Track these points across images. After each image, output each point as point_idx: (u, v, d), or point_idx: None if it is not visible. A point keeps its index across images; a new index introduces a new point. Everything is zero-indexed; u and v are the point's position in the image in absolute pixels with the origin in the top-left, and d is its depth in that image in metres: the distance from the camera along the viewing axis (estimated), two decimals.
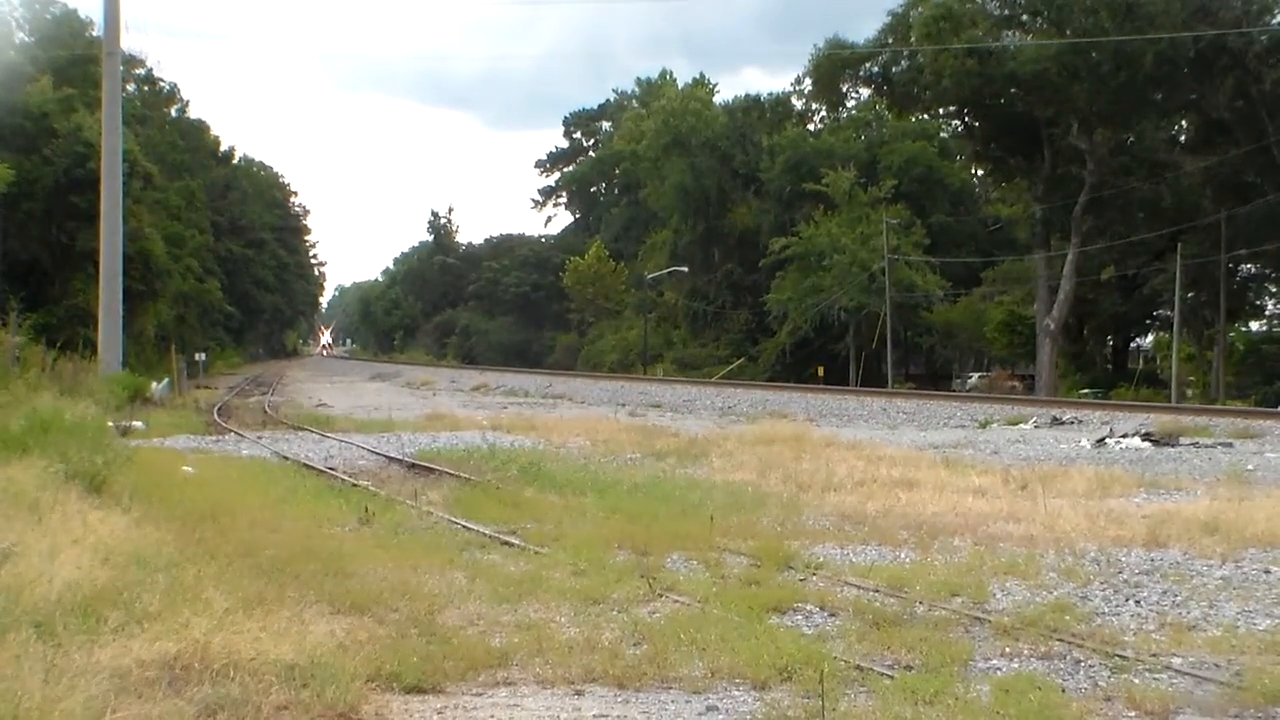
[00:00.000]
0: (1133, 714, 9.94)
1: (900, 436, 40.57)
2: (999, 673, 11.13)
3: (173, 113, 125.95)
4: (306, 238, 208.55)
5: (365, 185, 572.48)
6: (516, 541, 17.79)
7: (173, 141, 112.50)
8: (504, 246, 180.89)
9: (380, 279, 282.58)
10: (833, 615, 13.49)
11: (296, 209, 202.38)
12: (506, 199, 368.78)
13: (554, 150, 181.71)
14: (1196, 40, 77.50)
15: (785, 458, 29.70)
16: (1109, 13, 78.53)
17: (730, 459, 30.17)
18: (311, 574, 14.26)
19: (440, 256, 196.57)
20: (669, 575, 15.43)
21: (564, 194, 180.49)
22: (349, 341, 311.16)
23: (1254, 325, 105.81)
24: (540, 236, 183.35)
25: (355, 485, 24.90)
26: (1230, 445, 35.29)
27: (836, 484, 24.58)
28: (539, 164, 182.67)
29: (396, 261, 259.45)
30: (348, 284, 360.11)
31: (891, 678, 10.65)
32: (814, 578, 15.42)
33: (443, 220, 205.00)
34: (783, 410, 53.86)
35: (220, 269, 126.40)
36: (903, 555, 17.06)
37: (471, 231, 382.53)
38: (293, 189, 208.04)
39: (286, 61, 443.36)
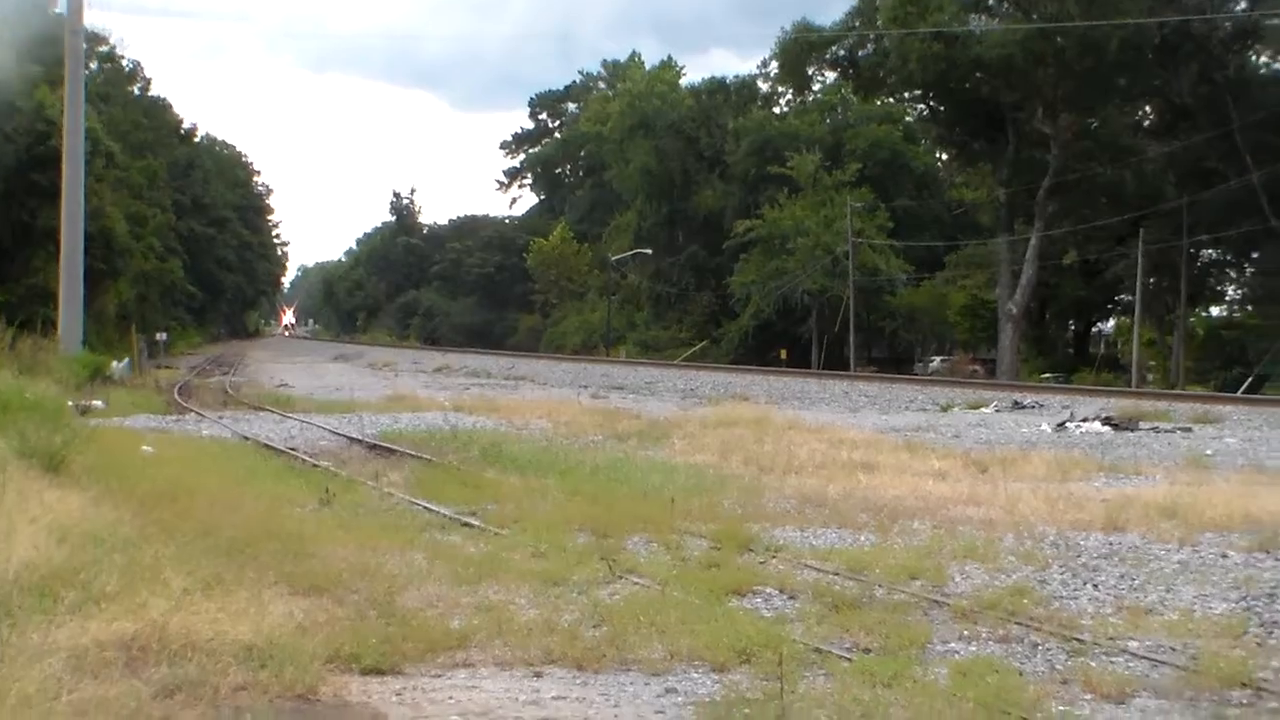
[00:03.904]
0: (1089, 697, 9.97)
1: (862, 419, 40.62)
2: (957, 656, 11.17)
3: (135, 91, 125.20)
4: (269, 217, 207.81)
5: (329, 165, 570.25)
6: (477, 523, 17.77)
7: (135, 120, 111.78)
8: (468, 227, 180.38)
9: (343, 259, 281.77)
10: (792, 598, 13.50)
11: (259, 188, 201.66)
12: (472, 180, 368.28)
13: (520, 131, 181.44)
14: (1161, 26, 77.71)
15: (747, 440, 29.70)
16: None
17: (692, 441, 30.17)
18: (271, 555, 14.20)
19: (404, 237, 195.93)
20: (629, 557, 15.42)
21: (529, 175, 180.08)
22: (311, 322, 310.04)
23: (1214, 311, 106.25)
24: (505, 218, 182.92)
25: (316, 466, 24.85)
26: (1189, 430, 35.43)
27: (798, 467, 24.61)
28: (504, 145, 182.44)
29: (360, 242, 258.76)
30: (311, 264, 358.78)
31: (850, 660, 10.68)
32: (774, 560, 15.44)
33: (406, 200, 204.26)
34: (745, 393, 53.89)
35: (182, 248, 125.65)
36: (863, 538, 17.09)
37: (436, 212, 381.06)
38: (256, 168, 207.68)
39: (250, 40, 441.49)
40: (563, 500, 19.69)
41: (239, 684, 9.41)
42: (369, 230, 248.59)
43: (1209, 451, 29.42)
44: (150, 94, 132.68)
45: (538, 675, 10.45)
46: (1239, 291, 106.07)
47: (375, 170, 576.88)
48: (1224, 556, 15.84)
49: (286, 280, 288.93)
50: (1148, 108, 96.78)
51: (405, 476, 23.22)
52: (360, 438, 30.93)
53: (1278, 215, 78.38)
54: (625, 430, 33.32)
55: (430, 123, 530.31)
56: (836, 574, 14.48)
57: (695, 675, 10.47)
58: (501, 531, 17.00)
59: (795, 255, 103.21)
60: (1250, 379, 72.76)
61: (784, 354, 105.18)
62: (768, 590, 13.82)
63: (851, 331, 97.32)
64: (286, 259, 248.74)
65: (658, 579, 13.96)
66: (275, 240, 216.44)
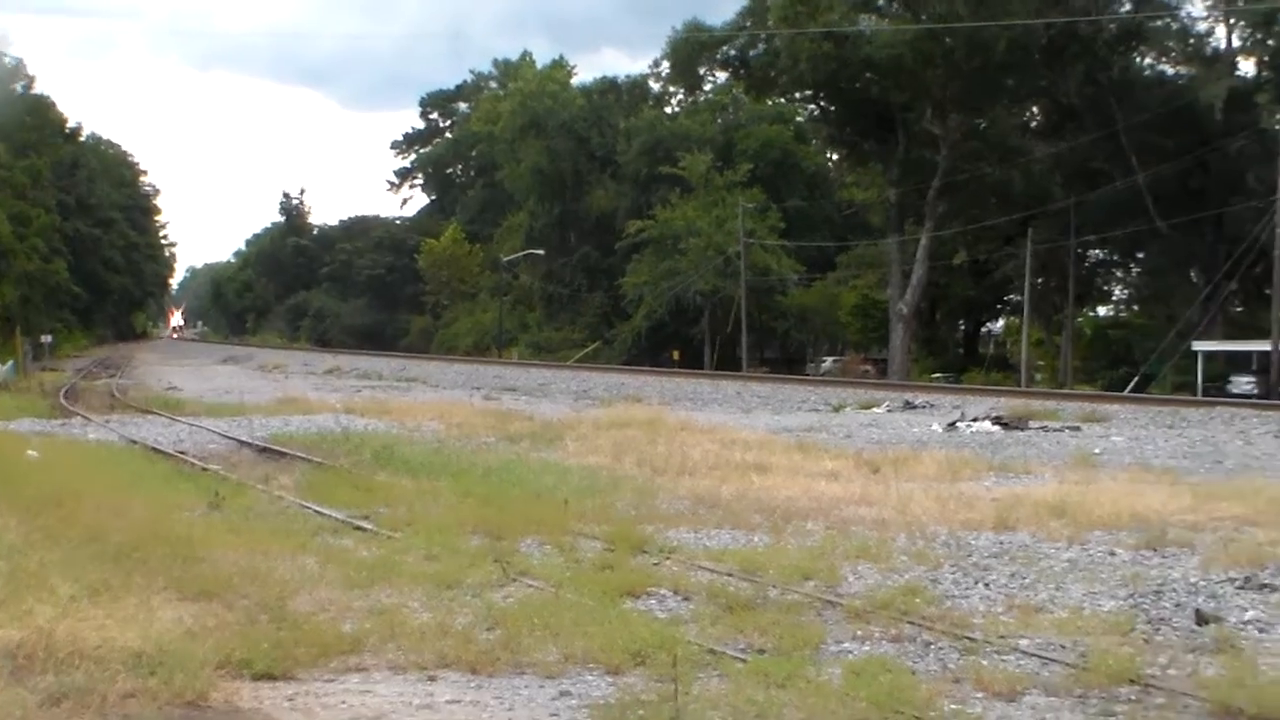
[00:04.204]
0: (981, 695, 10.03)
1: (755, 420, 40.75)
2: (850, 655, 11.21)
3: (18, 89, 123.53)
4: (157, 218, 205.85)
5: (217, 165, 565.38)
6: (369, 526, 17.69)
7: (18, 118, 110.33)
8: (358, 228, 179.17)
9: (232, 260, 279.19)
10: (686, 599, 13.52)
11: (146, 188, 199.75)
12: (362, 180, 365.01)
13: (410, 131, 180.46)
14: (1048, 27, 78.54)
15: (640, 441, 29.72)
16: None
17: (585, 443, 30.15)
18: (159, 560, 14.05)
19: (293, 238, 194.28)
20: (523, 560, 15.40)
21: (420, 175, 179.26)
22: (200, 324, 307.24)
23: (1101, 310, 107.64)
24: (396, 218, 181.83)
25: (205, 470, 24.66)
26: (1078, 429, 35.80)
27: (691, 468, 24.66)
28: (395, 145, 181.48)
29: (249, 243, 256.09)
30: (199, 265, 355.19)
31: (744, 661, 10.69)
32: (668, 562, 15.45)
33: (295, 201, 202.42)
34: (638, 394, 53.94)
35: (67, 249, 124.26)
36: (756, 539, 17.13)
37: (326, 213, 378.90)
38: (142, 168, 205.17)
39: (135, 37, 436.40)
40: (455, 503, 19.62)
41: (127, 691, 9.29)
42: (258, 231, 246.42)
43: (1097, 450, 29.76)
44: (34, 92, 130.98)
45: (431, 679, 10.40)
46: (1125, 291, 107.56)
47: (264, 170, 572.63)
48: (1112, 554, 16.01)
49: (174, 282, 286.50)
50: (1035, 108, 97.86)
51: (296, 480, 23.08)
52: (250, 441, 30.70)
53: (1163, 216, 79.41)
54: (518, 432, 33.28)
55: (320, 122, 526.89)
56: (730, 575, 14.50)
57: (590, 677, 10.45)
58: (394, 535, 16.92)
59: (687, 256, 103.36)
60: (1136, 378, 73.61)
61: (677, 355, 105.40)
62: (662, 592, 13.82)
63: (744, 332, 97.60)
64: (174, 260, 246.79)
65: (552, 581, 13.94)
66: (163, 241, 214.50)
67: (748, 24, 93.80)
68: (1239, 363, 78.19)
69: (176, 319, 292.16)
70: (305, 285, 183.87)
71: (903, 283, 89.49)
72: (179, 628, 11.08)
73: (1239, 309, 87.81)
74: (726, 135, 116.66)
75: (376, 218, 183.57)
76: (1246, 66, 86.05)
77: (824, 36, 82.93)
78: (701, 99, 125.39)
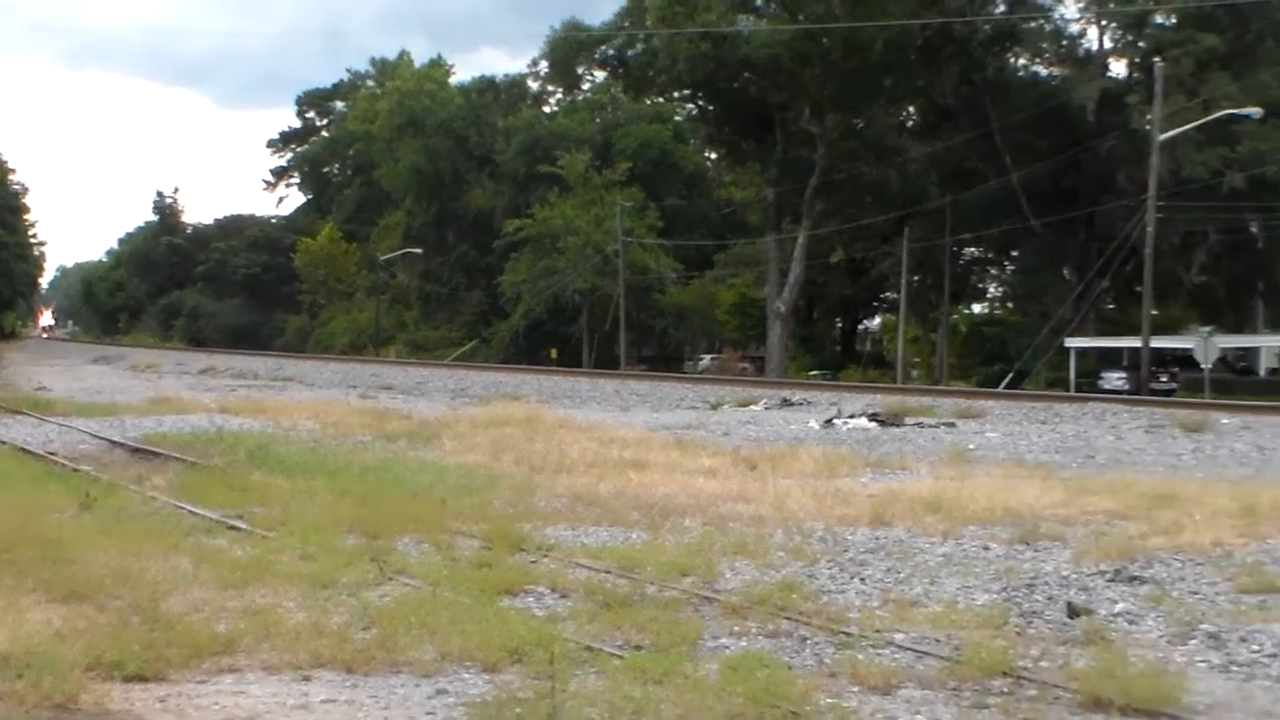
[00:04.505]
0: (856, 689, 10.07)
1: (633, 418, 40.81)
2: (727, 651, 11.22)
3: None
4: (26, 216, 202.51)
5: (90, 163, 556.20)
6: (244, 526, 17.51)
7: None
8: (233, 227, 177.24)
9: (104, 259, 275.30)
10: (564, 597, 13.49)
11: (15, 186, 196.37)
12: (238, 179, 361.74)
13: (286, 130, 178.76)
14: (924, 28, 79.21)
15: (518, 440, 29.66)
16: None
17: (462, 441, 30.05)
18: (28, 561, 13.86)
19: (166, 237, 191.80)
20: (400, 558, 15.30)
21: (296, 174, 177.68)
22: (71, 323, 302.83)
23: (976, 308, 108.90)
24: (271, 217, 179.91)
25: (76, 470, 24.31)
26: (953, 425, 36.15)
27: (569, 466, 24.64)
28: (271, 144, 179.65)
29: (121, 242, 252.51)
30: (70, 264, 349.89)
31: (622, 658, 10.68)
32: (546, 559, 15.42)
33: (169, 200, 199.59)
34: (516, 392, 53.81)
35: None
36: (634, 536, 17.13)
37: (200, 212, 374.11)
38: (11, 166, 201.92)
39: (2, 33, 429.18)
40: (331, 502, 19.46)
41: None
42: (131, 230, 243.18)
43: (971, 446, 30.07)
44: None
45: (306, 679, 10.31)
46: (1000, 289, 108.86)
47: (138, 169, 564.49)
48: (986, 549, 16.16)
49: (44, 281, 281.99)
50: (911, 108, 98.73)
51: (169, 480, 22.81)
52: (122, 441, 30.29)
53: (1036, 215, 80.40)
54: (395, 431, 33.10)
55: (195, 121, 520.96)
56: (608, 572, 14.48)
57: (467, 676, 10.40)
58: (269, 534, 16.76)
59: (566, 254, 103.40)
60: (1011, 374, 74.43)
61: (555, 353, 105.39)
62: (539, 589, 13.79)
63: (622, 330, 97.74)
64: (44, 259, 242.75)
65: (428, 580, 13.86)
66: (32, 240, 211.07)
67: (626, 24, 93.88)
68: (1111, 359, 79.40)
69: (46, 318, 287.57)
70: (179, 284, 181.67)
71: (780, 281, 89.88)
72: (48, 629, 10.94)
73: (1111, 306, 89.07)
74: (605, 134, 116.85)
75: (252, 216, 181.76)
76: (1118, 68, 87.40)
77: (702, 36, 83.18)
78: (580, 98, 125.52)
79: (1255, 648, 11.28)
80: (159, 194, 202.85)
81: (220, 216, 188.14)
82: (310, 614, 12.27)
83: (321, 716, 9.41)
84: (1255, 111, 62.55)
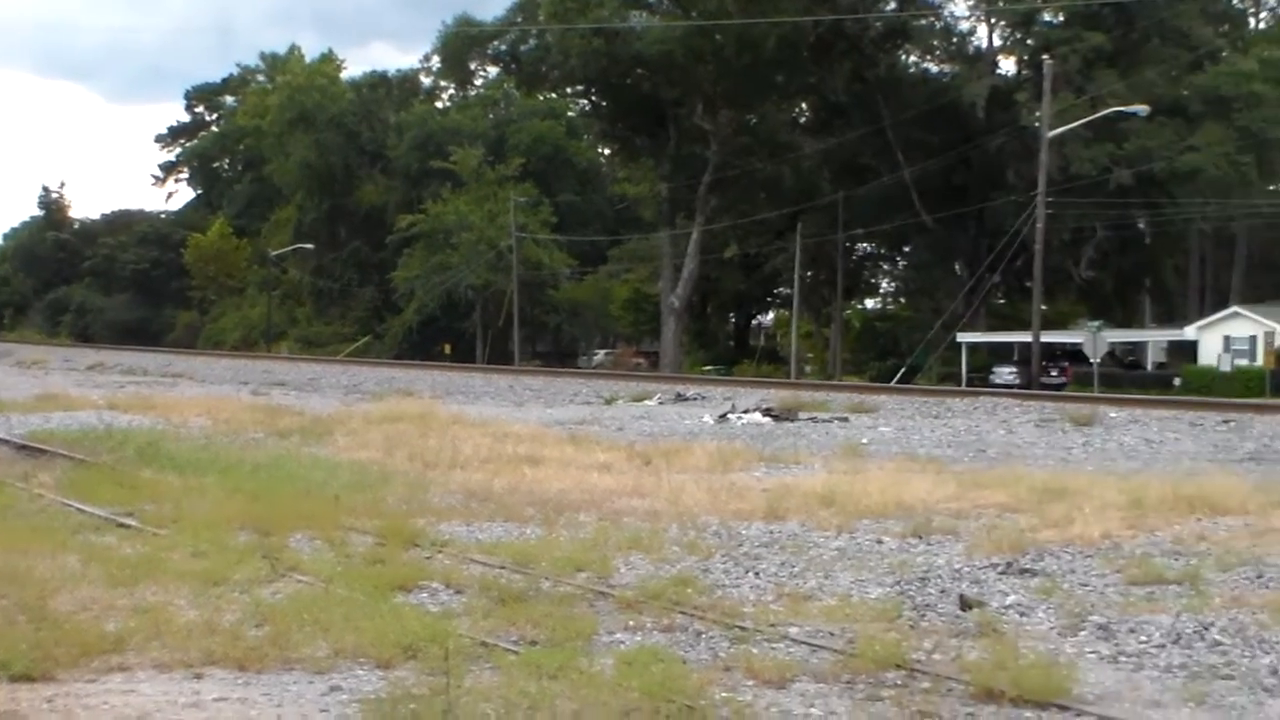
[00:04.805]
0: (751, 683, 10.09)
1: (527, 413, 40.77)
2: (623, 646, 11.22)
3: None
4: None
5: None
6: (134, 523, 17.32)
7: None
8: (122, 222, 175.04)
9: None
10: (459, 592, 13.45)
11: None
12: (126, 174, 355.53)
13: (175, 125, 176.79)
14: (816, 25, 79.62)
15: (412, 436, 29.55)
16: None
17: (356, 437, 29.91)
18: None
19: (53, 232, 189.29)
20: (292, 555, 15.21)
21: (185, 169, 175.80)
22: None
23: (869, 303, 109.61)
24: (161, 213, 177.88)
25: None
26: (846, 420, 36.36)
27: (463, 461, 24.58)
28: (160, 139, 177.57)
29: (6, 237, 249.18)
30: None
31: (517, 653, 10.66)
32: (440, 555, 15.37)
33: (55, 195, 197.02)
34: (409, 388, 53.57)
35: None
36: (529, 531, 17.11)
37: (88, 207, 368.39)
38: None
39: None
40: (223, 499, 19.28)
41: None
42: (16, 225, 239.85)
43: (865, 440, 30.28)
44: None
45: (198, 677, 10.20)
46: (892, 284, 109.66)
47: (22, 164, 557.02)
48: (879, 543, 16.28)
49: None
50: (804, 105, 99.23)
51: (57, 477, 22.52)
52: (8, 438, 29.88)
53: (928, 210, 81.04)
54: (287, 427, 32.88)
55: (82, 116, 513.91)
56: (503, 567, 14.45)
57: (360, 672, 10.34)
58: (160, 532, 16.59)
59: (459, 250, 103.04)
60: (903, 369, 74.96)
61: (448, 348, 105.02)
62: (434, 585, 13.74)
63: (516, 326, 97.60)
64: None
65: (322, 576, 13.78)
66: None
67: (518, 19, 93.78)
68: (1002, 354, 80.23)
69: None
70: (66, 280, 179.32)
71: (674, 276, 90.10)
72: None
73: (1002, 301, 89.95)
74: (498, 130, 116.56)
75: (141, 212, 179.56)
76: (1007, 65, 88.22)
77: (594, 32, 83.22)
78: (473, 94, 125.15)
79: (1144, 638, 11.42)
80: (45, 189, 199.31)
81: (108, 212, 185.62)
82: (202, 612, 12.15)
83: (214, 715, 9.32)
84: (1142, 109, 63.37)
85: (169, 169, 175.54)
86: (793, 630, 11.74)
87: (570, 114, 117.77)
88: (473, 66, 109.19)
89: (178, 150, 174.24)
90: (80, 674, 10.21)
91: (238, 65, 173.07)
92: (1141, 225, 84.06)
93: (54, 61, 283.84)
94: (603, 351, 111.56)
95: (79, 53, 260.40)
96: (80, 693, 9.73)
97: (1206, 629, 11.59)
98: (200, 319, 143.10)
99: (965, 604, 12.74)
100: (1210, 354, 72.11)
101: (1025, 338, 66.61)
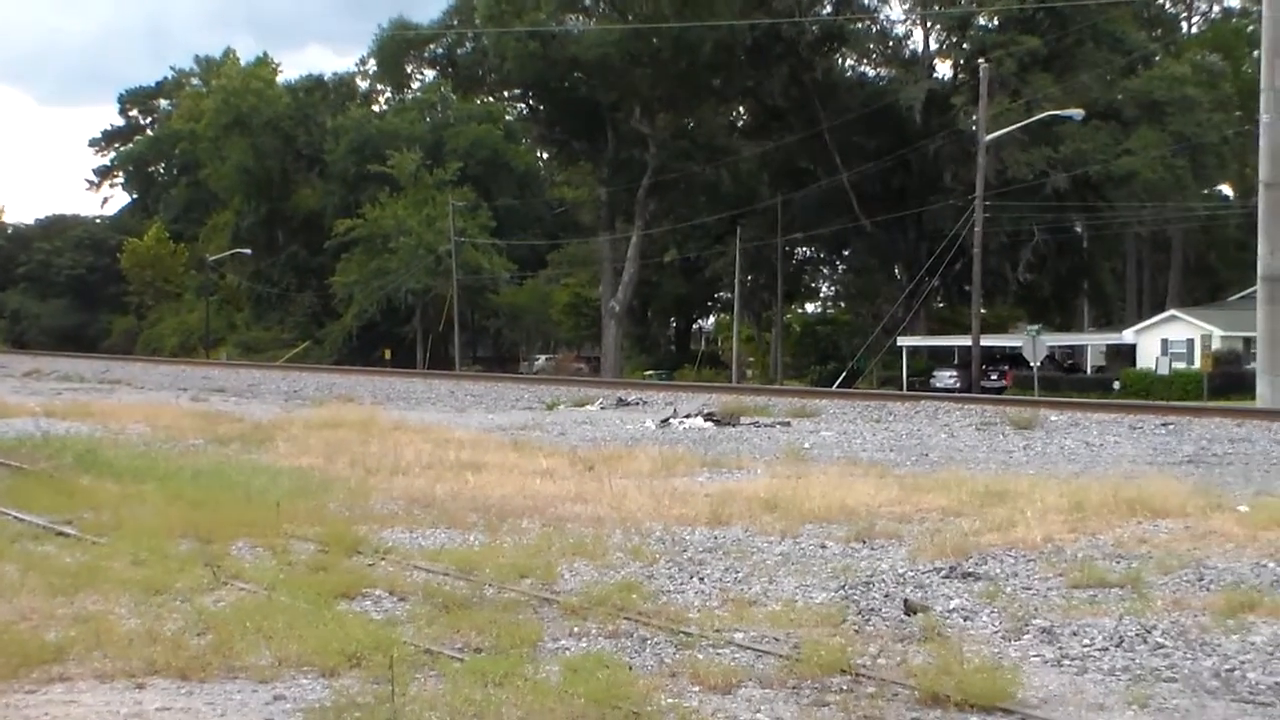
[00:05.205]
0: (697, 689, 10.07)
1: (468, 419, 40.67)
2: (568, 652, 11.18)
3: None
4: None
5: None
6: (72, 531, 17.17)
7: None
8: (57, 227, 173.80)
9: None
10: (402, 600, 13.39)
11: None
12: (60, 178, 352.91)
13: (109, 128, 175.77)
14: (752, 29, 79.87)
15: (353, 442, 29.45)
16: None
17: (296, 444, 29.76)
18: None
19: None
20: (234, 563, 15.10)
21: (120, 174, 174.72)
22: None
23: (810, 307, 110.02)
24: (96, 218, 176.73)
25: None
26: (788, 424, 36.40)
27: (405, 468, 24.49)
28: (94, 143, 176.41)
29: None
30: None
31: (461, 660, 10.61)
32: (383, 562, 15.30)
33: None
34: (350, 394, 53.45)
35: None
36: (472, 538, 17.04)
37: (21, 212, 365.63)
38: None
39: None
40: (163, 506, 19.12)
41: None
42: None
43: (807, 445, 30.30)
44: None
45: (140, 687, 10.11)
46: (832, 288, 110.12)
47: None
48: (823, 547, 16.28)
49: None
50: (742, 109, 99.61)
51: None
52: None
53: (867, 214, 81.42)
54: (227, 434, 32.69)
55: (13, 119, 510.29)
56: (446, 574, 14.40)
57: (304, 681, 10.27)
58: (99, 540, 16.44)
59: (398, 254, 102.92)
60: (844, 373, 75.25)
61: (388, 354, 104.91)
62: (377, 592, 13.68)
63: (456, 330, 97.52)
64: None
65: (264, 584, 13.68)
66: None
67: (454, 22, 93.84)
68: (942, 357, 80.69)
69: None
70: (0, 286, 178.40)
71: (614, 280, 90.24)
72: None
73: (941, 305, 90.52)
74: (435, 134, 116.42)
75: (76, 217, 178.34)
76: (943, 69, 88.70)
77: (530, 35, 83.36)
78: (410, 97, 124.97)
79: (1087, 641, 11.46)
80: None
81: (42, 216, 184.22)
82: (143, 620, 12.05)
83: None
84: (1077, 113, 63.78)
85: (104, 173, 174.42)
86: (738, 636, 11.72)
87: (508, 118, 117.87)
88: (409, 70, 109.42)
89: (112, 154, 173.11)
90: (20, 684, 10.11)
91: (172, 68, 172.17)
92: (1079, 229, 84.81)
93: None
94: (544, 356, 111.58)
95: (8, 54, 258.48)
96: (20, 704, 9.63)
97: (1149, 632, 11.65)
98: (138, 324, 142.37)
99: (910, 609, 12.75)
100: (1148, 357, 72.70)
101: (965, 341, 67.03)
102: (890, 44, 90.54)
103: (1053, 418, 35.94)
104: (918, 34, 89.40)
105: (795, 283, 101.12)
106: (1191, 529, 16.69)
